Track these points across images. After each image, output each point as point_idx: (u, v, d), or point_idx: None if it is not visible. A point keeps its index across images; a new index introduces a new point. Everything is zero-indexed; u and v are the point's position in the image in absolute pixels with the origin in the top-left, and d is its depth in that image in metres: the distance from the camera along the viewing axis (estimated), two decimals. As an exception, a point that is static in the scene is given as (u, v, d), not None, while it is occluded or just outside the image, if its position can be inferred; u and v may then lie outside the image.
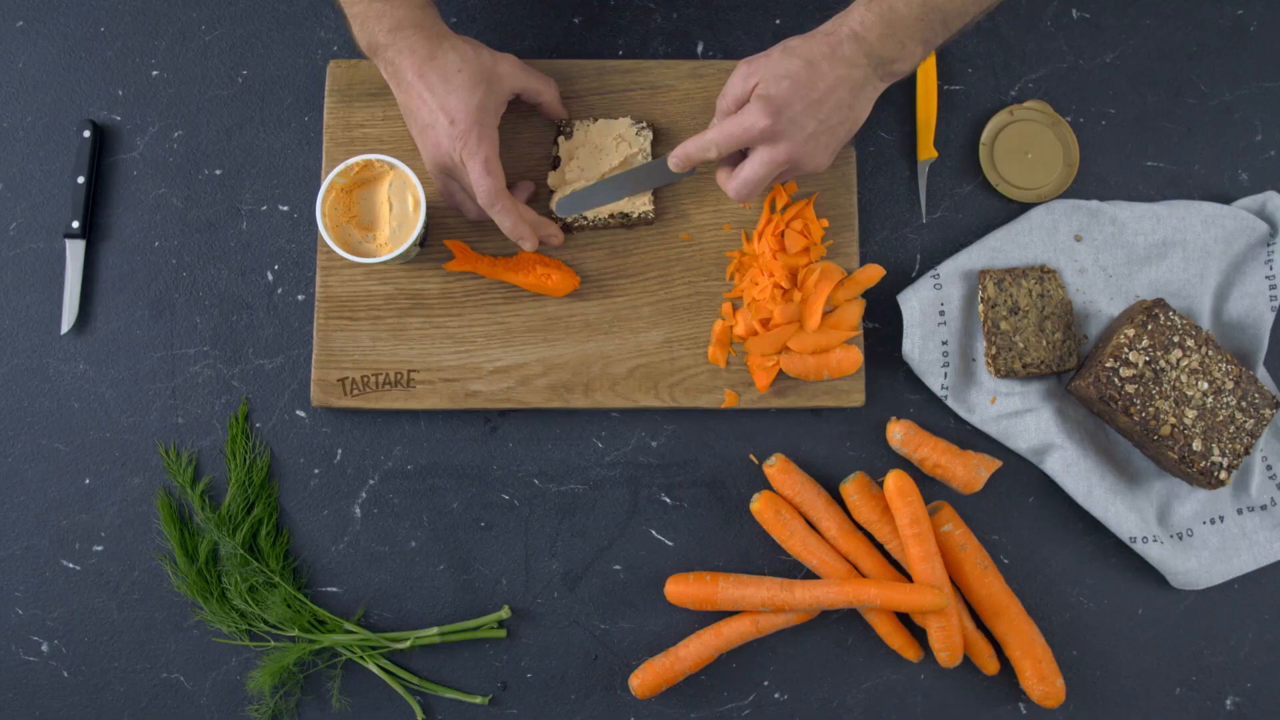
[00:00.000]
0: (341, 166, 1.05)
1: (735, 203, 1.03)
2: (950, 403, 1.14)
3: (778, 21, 1.21)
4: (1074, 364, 1.13)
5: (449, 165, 1.04)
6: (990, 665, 1.11)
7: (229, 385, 1.15)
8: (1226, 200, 1.18)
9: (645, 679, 1.10)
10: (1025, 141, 1.17)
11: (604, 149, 1.13)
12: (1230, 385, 1.08)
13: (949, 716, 1.13)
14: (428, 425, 1.15)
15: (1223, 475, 1.07)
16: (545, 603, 1.13)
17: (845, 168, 1.16)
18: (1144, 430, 1.07)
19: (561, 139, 1.14)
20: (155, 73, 1.20)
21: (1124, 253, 1.15)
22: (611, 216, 1.13)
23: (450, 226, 1.15)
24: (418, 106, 1.02)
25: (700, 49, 1.20)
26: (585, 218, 1.13)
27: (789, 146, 0.99)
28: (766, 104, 0.97)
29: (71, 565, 1.13)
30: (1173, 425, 1.07)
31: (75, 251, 1.16)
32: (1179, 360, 1.07)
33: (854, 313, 1.13)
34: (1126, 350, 1.07)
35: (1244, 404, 1.08)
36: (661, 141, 1.16)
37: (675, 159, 1.05)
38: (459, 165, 1.03)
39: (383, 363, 1.13)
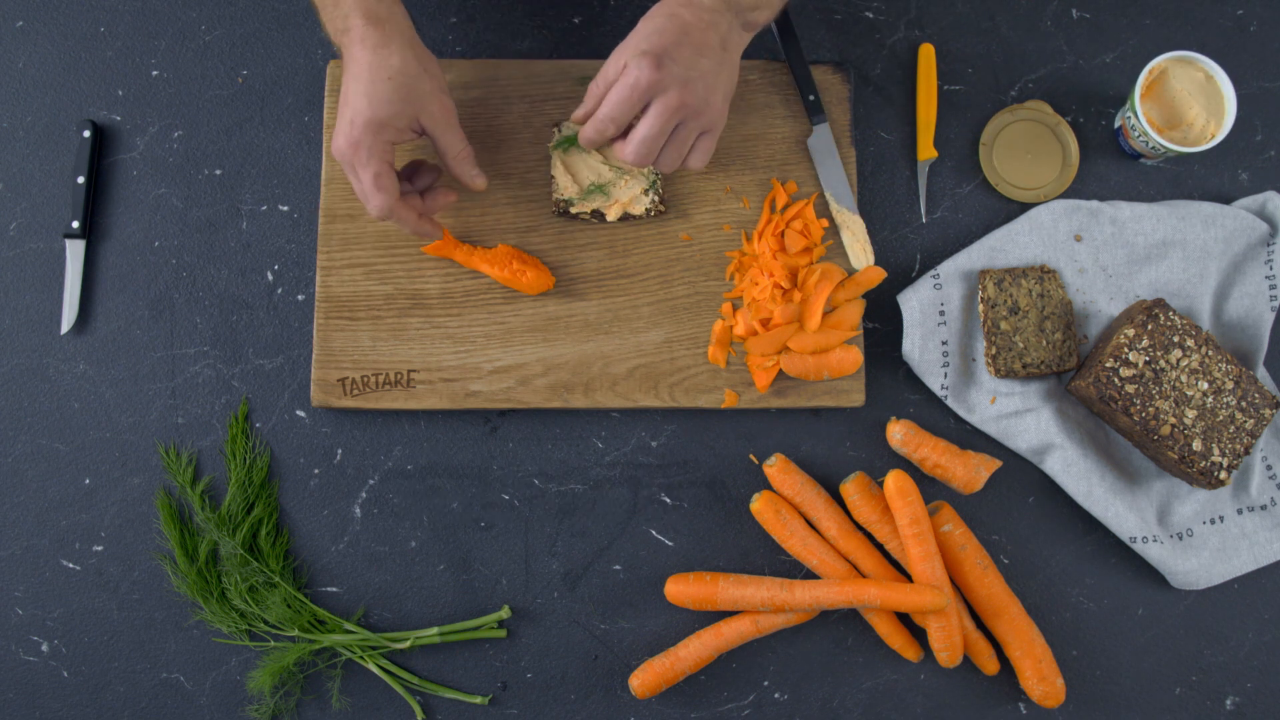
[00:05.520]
0: None
1: (638, 166, 1.02)
2: (950, 403, 1.14)
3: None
4: (1074, 364, 1.13)
5: (344, 163, 1.02)
6: (990, 665, 1.11)
7: (229, 385, 1.15)
8: (1226, 200, 1.18)
9: (645, 679, 1.10)
10: (1025, 141, 1.17)
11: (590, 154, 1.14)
12: (1230, 385, 1.08)
13: (949, 716, 1.13)
14: (428, 425, 1.15)
15: (1223, 475, 1.07)
16: (545, 603, 1.13)
17: (846, 167, 1.16)
18: (1144, 430, 1.07)
19: (557, 132, 1.14)
20: (155, 73, 1.20)
21: (1124, 253, 1.15)
22: (621, 220, 1.14)
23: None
24: (342, 97, 1.01)
25: (700, 49, 1.20)
26: (589, 215, 1.14)
27: (679, 91, 0.98)
28: (645, 57, 0.96)
29: (71, 565, 1.13)
30: (1173, 425, 1.07)
31: (75, 251, 1.16)
32: (1179, 360, 1.07)
33: (854, 313, 1.13)
34: (1126, 350, 1.07)
35: (1244, 404, 1.08)
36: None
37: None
38: (349, 168, 1.01)
39: (383, 363, 1.13)
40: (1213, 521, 1.13)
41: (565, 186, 1.13)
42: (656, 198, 1.14)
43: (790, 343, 1.12)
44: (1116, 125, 1.18)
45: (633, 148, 1.00)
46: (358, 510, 1.14)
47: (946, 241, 1.18)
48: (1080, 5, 1.21)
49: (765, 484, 1.15)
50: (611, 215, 1.14)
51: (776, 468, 1.12)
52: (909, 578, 1.11)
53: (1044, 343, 1.13)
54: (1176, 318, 1.08)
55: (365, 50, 0.99)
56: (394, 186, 1.01)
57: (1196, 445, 1.07)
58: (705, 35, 0.99)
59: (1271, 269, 1.15)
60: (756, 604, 1.08)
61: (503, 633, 1.12)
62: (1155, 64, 1.12)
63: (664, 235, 1.15)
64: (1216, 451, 1.07)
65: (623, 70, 0.98)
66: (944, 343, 1.14)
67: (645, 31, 0.98)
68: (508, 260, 1.12)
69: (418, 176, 1.09)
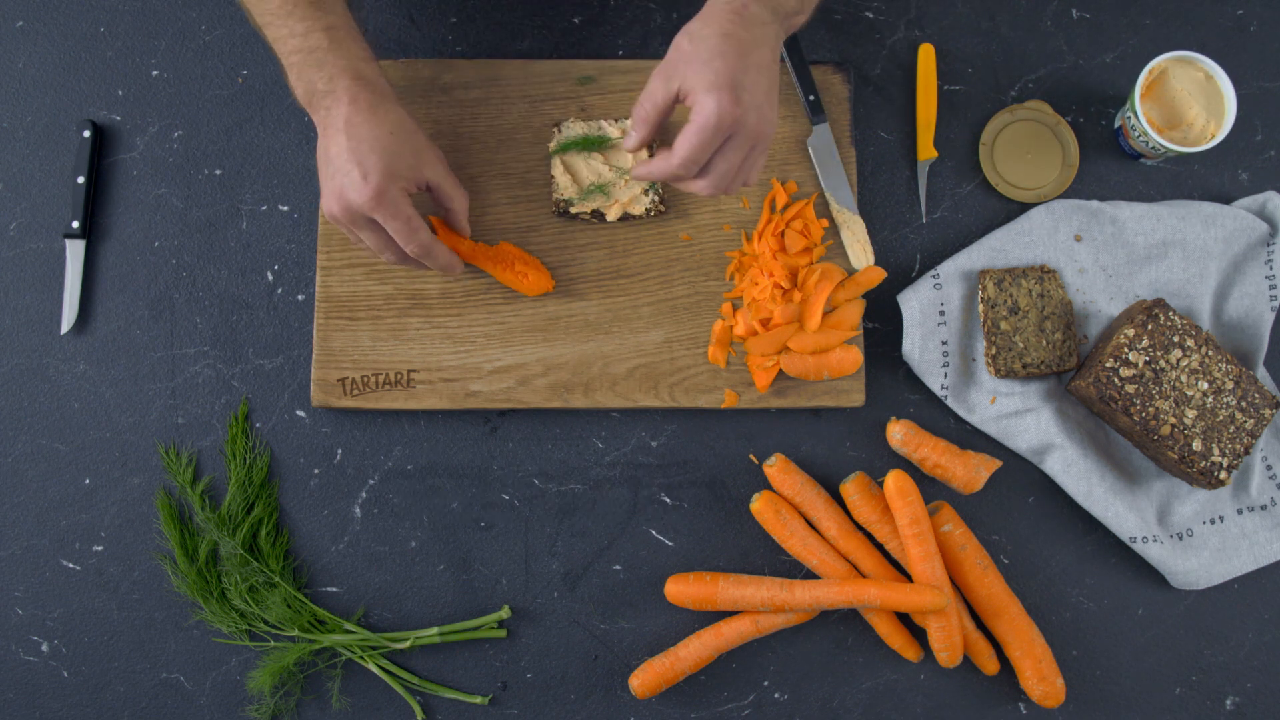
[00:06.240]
0: None
1: (711, 196, 1.00)
2: (950, 403, 1.14)
3: (778, 21, 1.21)
4: (1074, 364, 1.13)
5: (350, 219, 1.00)
6: (990, 665, 1.11)
7: (229, 385, 1.15)
8: (1226, 200, 1.18)
9: (645, 679, 1.10)
10: (1025, 141, 1.17)
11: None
12: (1230, 385, 1.08)
13: (949, 716, 1.13)
14: (428, 425, 1.15)
15: (1223, 475, 1.07)
16: (545, 603, 1.13)
17: (846, 167, 1.16)
18: (1144, 430, 1.07)
19: (557, 132, 1.14)
20: (155, 73, 1.20)
21: (1124, 253, 1.15)
22: (621, 220, 1.14)
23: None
24: (335, 154, 0.98)
25: (700, 49, 1.20)
26: (589, 215, 1.14)
27: (755, 121, 0.94)
28: (722, 93, 0.91)
29: (71, 565, 1.13)
30: (1173, 425, 1.07)
31: (75, 251, 1.16)
32: (1179, 360, 1.07)
33: (854, 313, 1.13)
34: (1126, 350, 1.07)
35: (1244, 404, 1.08)
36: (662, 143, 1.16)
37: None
38: (359, 221, 1.00)
39: (383, 363, 1.13)
40: (1213, 521, 1.13)
41: (565, 186, 1.13)
42: (656, 198, 1.14)
43: (790, 343, 1.12)
44: (1116, 125, 1.18)
45: (712, 184, 0.97)
46: (358, 510, 1.14)
47: (946, 241, 1.18)
48: (1080, 5, 1.21)
49: (765, 484, 1.15)
50: (611, 215, 1.14)
51: (776, 468, 1.12)
52: (909, 578, 1.11)
53: (1044, 343, 1.13)
54: (1176, 318, 1.08)
55: (358, 110, 0.98)
56: (424, 224, 1.00)
57: (1196, 445, 1.07)
58: (762, 53, 0.95)
59: (1271, 269, 1.15)
60: (756, 604, 1.08)
61: (503, 633, 1.12)
62: (1155, 64, 1.12)
63: (664, 235, 1.15)
64: (1216, 451, 1.07)
65: (698, 107, 0.92)
66: (944, 343, 1.14)
67: (704, 56, 0.92)
68: (510, 261, 1.12)
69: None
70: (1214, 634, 1.14)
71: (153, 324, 1.16)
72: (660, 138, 1.11)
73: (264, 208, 1.18)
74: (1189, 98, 1.12)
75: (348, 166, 0.97)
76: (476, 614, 1.13)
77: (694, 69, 0.93)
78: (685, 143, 0.93)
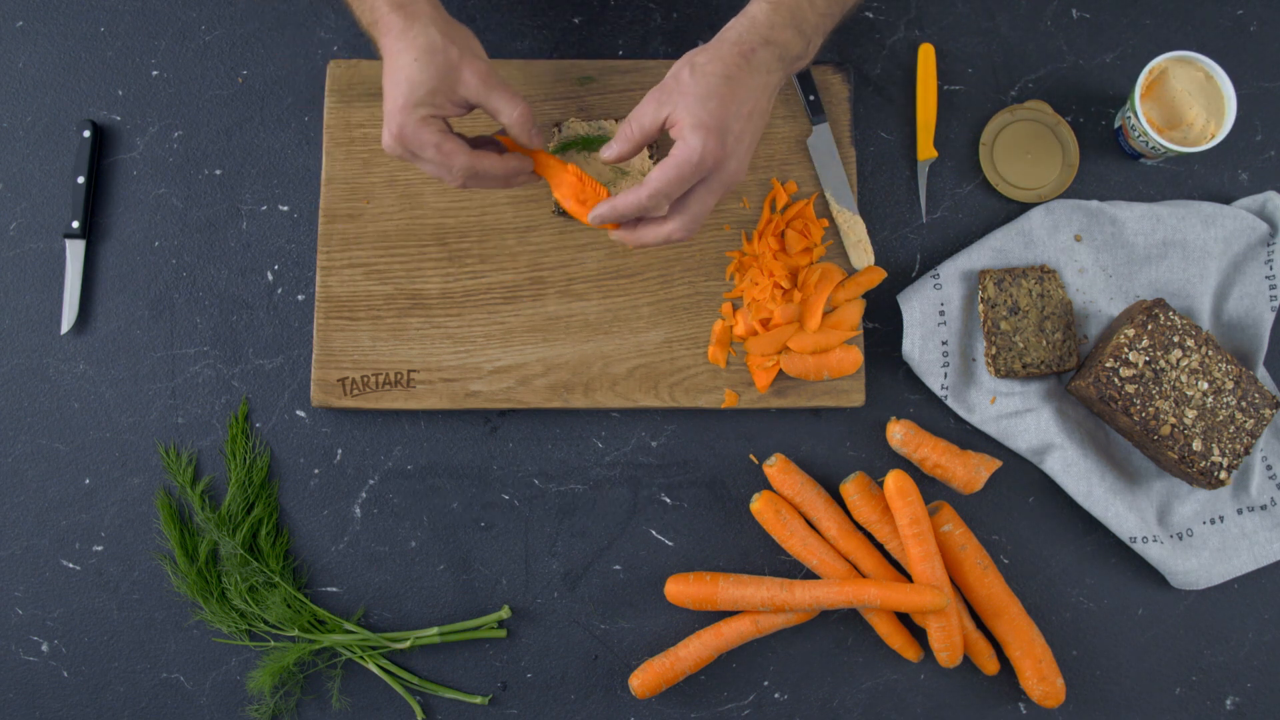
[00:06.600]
0: None
1: (683, 240, 0.98)
2: (950, 403, 1.14)
3: (778, 21, 1.21)
4: (1074, 364, 1.13)
5: (398, 151, 0.98)
6: (990, 665, 1.11)
7: (229, 385, 1.15)
8: (1226, 200, 1.18)
9: (645, 679, 1.10)
10: (1025, 141, 1.17)
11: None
12: (1230, 385, 1.08)
13: (949, 716, 1.13)
14: (428, 425, 1.15)
15: (1223, 475, 1.07)
16: (545, 603, 1.13)
17: (846, 167, 1.16)
18: (1144, 430, 1.07)
19: (557, 132, 1.14)
20: (155, 73, 1.20)
21: (1124, 253, 1.15)
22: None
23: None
24: (384, 83, 0.98)
25: (700, 49, 1.20)
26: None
27: (735, 166, 0.94)
28: (709, 134, 0.91)
29: (71, 565, 1.13)
30: (1173, 425, 1.07)
31: (75, 251, 1.16)
32: (1179, 360, 1.07)
33: (854, 313, 1.13)
34: (1126, 350, 1.07)
35: (1244, 404, 1.08)
36: (659, 145, 1.16)
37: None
38: (408, 156, 0.98)
39: (383, 363, 1.13)
40: (1213, 521, 1.13)
41: (565, 186, 1.13)
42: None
43: (790, 343, 1.12)
44: (1116, 125, 1.18)
45: (684, 226, 0.95)
46: (358, 510, 1.14)
47: (946, 241, 1.18)
48: (1080, 5, 1.21)
49: (765, 484, 1.15)
50: (611, 215, 1.14)
51: (776, 468, 1.12)
52: (909, 578, 1.11)
53: (1044, 343, 1.13)
54: (1176, 318, 1.08)
55: (392, 38, 0.96)
56: (461, 146, 0.96)
57: (1196, 445, 1.07)
58: (759, 102, 0.94)
59: (1271, 269, 1.15)
60: (756, 604, 1.08)
61: (503, 633, 1.12)
62: (1155, 64, 1.12)
63: (664, 235, 1.15)
64: (1216, 451, 1.07)
65: (682, 142, 0.92)
66: (944, 343, 1.14)
67: (701, 93, 0.92)
68: (581, 186, 1.01)
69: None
70: (1214, 634, 1.14)
71: (153, 324, 1.16)
72: (654, 152, 1.12)
73: (264, 208, 1.18)
74: (1189, 98, 1.12)
75: (388, 95, 0.96)
76: (476, 614, 1.13)
77: (688, 102, 0.92)
78: (662, 174, 0.92)
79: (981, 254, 1.15)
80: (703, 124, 0.91)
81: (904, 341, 1.13)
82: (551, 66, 1.17)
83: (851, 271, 1.15)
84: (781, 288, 1.12)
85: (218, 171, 1.18)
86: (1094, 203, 1.15)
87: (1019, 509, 1.15)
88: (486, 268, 1.15)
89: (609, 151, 0.98)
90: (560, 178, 1.01)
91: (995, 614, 1.10)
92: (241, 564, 1.11)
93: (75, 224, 1.16)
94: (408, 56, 0.95)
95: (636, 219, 0.97)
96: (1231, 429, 1.08)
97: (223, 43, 1.20)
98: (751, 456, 1.15)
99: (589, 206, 0.99)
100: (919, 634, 1.12)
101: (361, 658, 1.11)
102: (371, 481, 1.15)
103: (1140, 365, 1.07)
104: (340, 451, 1.15)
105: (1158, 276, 1.15)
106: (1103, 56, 1.21)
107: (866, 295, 1.16)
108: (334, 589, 1.13)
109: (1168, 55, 1.12)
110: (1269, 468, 1.14)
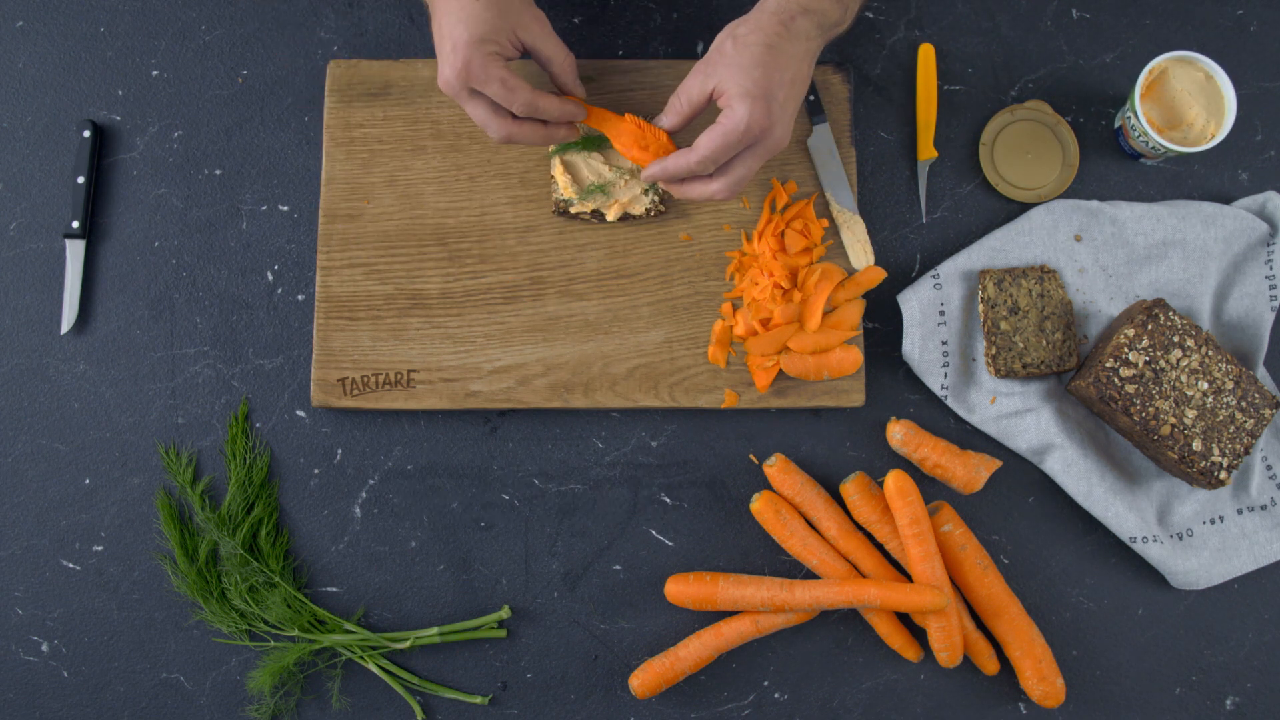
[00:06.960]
0: None
1: (725, 200, 1.01)
2: (950, 403, 1.14)
3: (778, 21, 1.21)
4: (1074, 364, 1.13)
5: (453, 93, 1.01)
6: (990, 665, 1.11)
7: (229, 385, 1.15)
8: (1226, 200, 1.18)
9: (645, 679, 1.10)
10: (1025, 141, 1.17)
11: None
12: (1230, 385, 1.08)
13: (949, 716, 1.13)
14: (428, 425, 1.15)
15: (1223, 475, 1.07)
16: (545, 603, 1.13)
17: (846, 167, 1.16)
18: (1144, 430, 1.07)
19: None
20: (155, 73, 1.20)
21: (1124, 253, 1.15)
22: (620, 219, 1.14)
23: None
24: (435, 32, 1.01)
25: (700, 49, 1.20)
26: (589, 215, 1.14)
27: (780, 132, 0.98)
28: (755, 102, 0.95)
29: (71, 565, 1.13)
30: (1173, 425, 1.07)
31: (75, 251, 1.16)
32: (1179, 360, 1.07)
33: (854, 313, 1.13)
34: (1126, 350, 1.07)
35: (1244, 404, 1.08)
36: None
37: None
38: (464, 94, 1.00)
39: (383, 363, 1.13)
40: (1213, 521, 1.13)
41: (565, 186, 1.13)
42: (656, 198, 1.14)
43: (790, 343, 1.12)
44: (1116, 125, 1.18)
45: (728, 187, 0.99)
46: (358, 510, 1.14)
47: (946, 241, 1.18)
48: (1080, 5, 1.21)
49: (765, 484, 1.15)
50: (611, 215, 1.14)
51: (776, 468, 1.12)
52: (909, 578, 1.11)
53: (1044, 343, 1.13)
54: (1176, 318, 1.08)
55: None
56: (524, 83, 0.99)
57: (1196, 445, 1.07)
58: (800, 69, 0.98)
59: (1271, 269, 1.15)
60: (756, 604, 1.08)
61: (503, 633, 1.12)
62: (1155, 64, 1.12)
63: (664, 235, 1.15)
64: (1216, 451, 1.07)
65: (729, 111, 0.95)
66: (944, 343, 1.14)
67: (745, 63, 0.95)
68: (640, 132, 1.05)
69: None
70: (1214, 634, 1.14)
71: (153, 324, 1.16)
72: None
73: (264, 208, 1.18)
74: (1189, 98, 1.12)
75: (441, 42, 0.99)
76: (476, 614, 1.13)
77: (733, 73, 0.95)
78: (710, 141, 0.96)
79: (981, 254, 1.15)
80: (748, 93, 0.95)
81: (904, 341, 1.13)
82: (551, 66, 1.17)
83: (851, 271, 1.15)
84: (781, 288, 1.12)
85: (218, 171, 1.18)
86: (1094, 203, 1.15)
87: (1019, 509, 1.15)
88: (486, 268, 1.15)
89: (663, 121, 1.02)
90: (619, 127, 1.05)
91: (995, 614, 1.10)
92: (241, 564, 1.11)
93: (75, 224, 1.16)
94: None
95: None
96: (1231, 429, 1.08)
97: (223, 43, 1.20)
98: (751, 456, 1.15)
99: (651, 152, 1.04)
100: (919, 634, 1.12)
101: (361, 658, 1.11)
102: (371, 481, 1.15)
103: (1140, 365, 1.07)
104: (340, 451, 1.15)
105: (1158, 276, 1.15)
106: (1103, 56, 1.21)
107: (866, 295, 1.16)
108: (334, 589, 1.13)
109: (1168, 55, 1.12)
110: (1269, 468, 1.14)
